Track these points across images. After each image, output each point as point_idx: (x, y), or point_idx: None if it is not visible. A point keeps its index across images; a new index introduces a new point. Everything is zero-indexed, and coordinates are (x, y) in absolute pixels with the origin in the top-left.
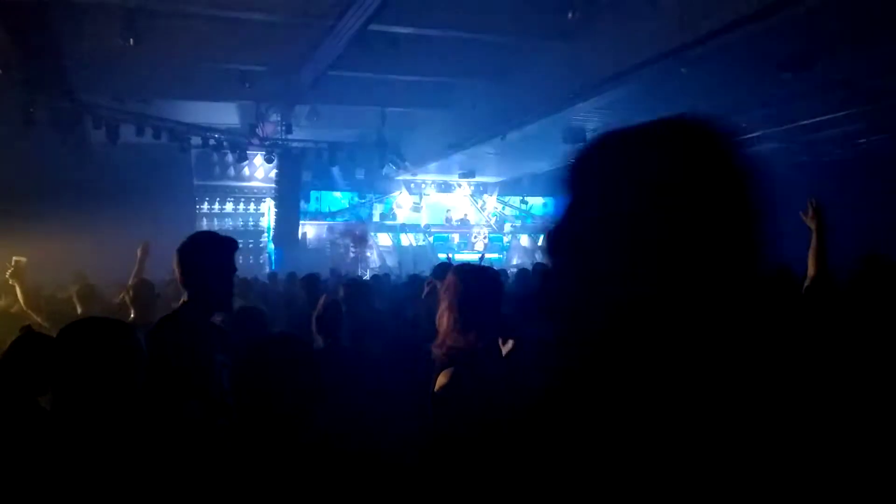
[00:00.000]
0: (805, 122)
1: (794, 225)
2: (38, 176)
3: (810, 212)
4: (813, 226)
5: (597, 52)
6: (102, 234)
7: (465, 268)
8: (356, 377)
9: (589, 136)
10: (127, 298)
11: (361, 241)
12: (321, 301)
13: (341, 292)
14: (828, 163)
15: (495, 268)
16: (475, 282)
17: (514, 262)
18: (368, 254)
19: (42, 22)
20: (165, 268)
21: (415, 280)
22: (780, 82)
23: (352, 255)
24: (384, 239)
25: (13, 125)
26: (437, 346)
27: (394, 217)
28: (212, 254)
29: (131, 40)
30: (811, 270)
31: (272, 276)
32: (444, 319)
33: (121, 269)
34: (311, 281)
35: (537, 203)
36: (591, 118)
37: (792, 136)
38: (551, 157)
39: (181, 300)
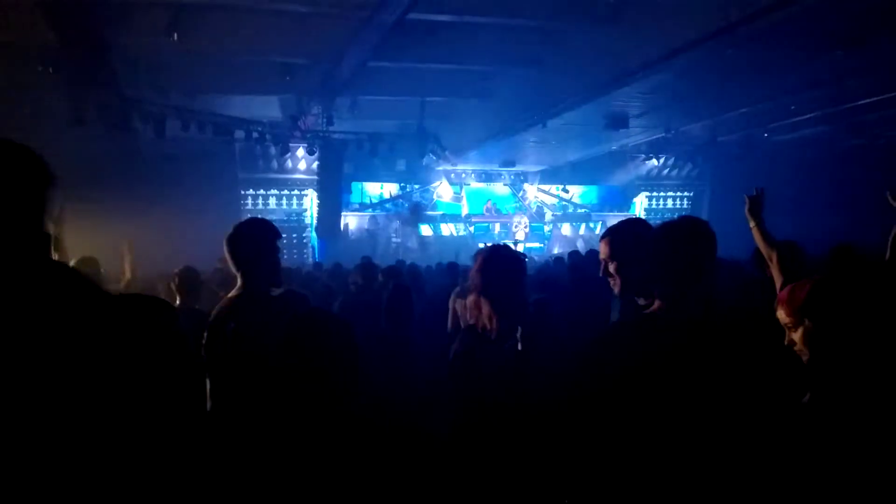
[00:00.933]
0: (856, 103)
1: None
2: (89, 171)
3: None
4: None
5: (639, 35)
6: (150, 226)
7: (489, 247)
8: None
9: (632, 121)
10: (173, 286)
11: (415, 214)
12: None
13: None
14: (882, 145)
15: (535, 257)
16: (497, 258)
17: (555, 251)
18: (409, 243)
19: (89, 21)
20: (211, 257)
21: (453, 268)
22: (831, 62)
23: (394, 243)
24: (424, 229)
25: (64, 122)
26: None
27: (434, 207)
28: (258, 237)
29: (175, 36)
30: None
31: (317, 265)
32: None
33: (168, 259)
34: (368, 266)
35: (578, 191)
36: (633, 103)
37: (842, 118)
38: (593, 144)
39: (238, 285)
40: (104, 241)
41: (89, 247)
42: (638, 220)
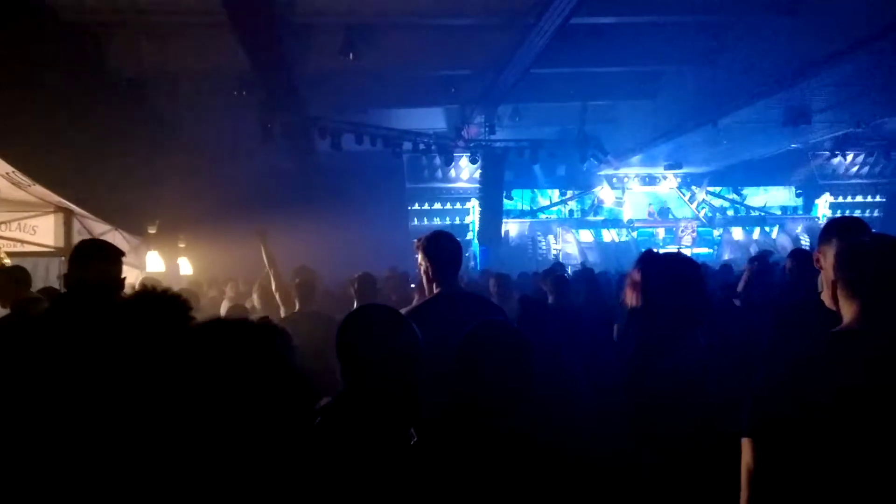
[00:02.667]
0: None
1: None
2: (274, 183)
3: None
4: None
5: (822, 25)
6: (326, 233)
7: (651, 254)
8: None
9: (814, 116)
10: (352, 290)
11: None
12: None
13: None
14: None
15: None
16: (659, 268)
17: (726, 256)
18: (569, 250)
19: (274, 46)
20: (384, 263)
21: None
22: None
23: (553, 253)
24: (585, 235)
25: (254, 139)
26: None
27: (596, 212)
28: (450, 246)
29: (351, 55)
30: None
31: (484, 272)
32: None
33: (344, 264)
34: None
35: (753, 193)
36: (816, 97)
37: None
38: (768, 143)
39: (434, 291)
40: (286, 249)
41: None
42: (857, 220)
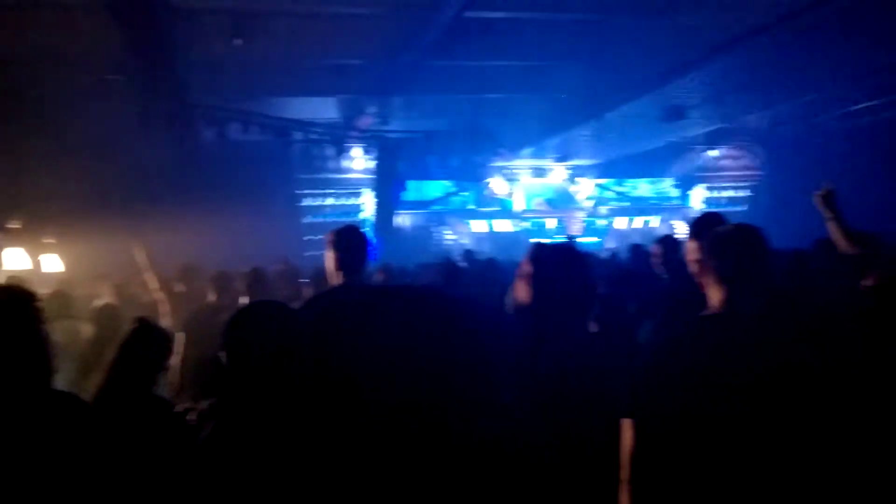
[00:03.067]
0: None
1: None
2: (154, 174)
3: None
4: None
5: (696, 25)
6: (212, 227)
7: (541, 245)
8: None
9: (689, 112)
10: (242, 286)
11: None
12: None
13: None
14: None
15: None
16: (548, 257)
17: (611, 245)
18: (463, 240)
19: (155, 29)
20: (276, 257)
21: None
22: None
23: (448, 241)
24: (478, 225)
25: (131, 127)
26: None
27: (488, 203)
28: (354, 238)
29: (238, 41)
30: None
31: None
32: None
33: (228, 257)
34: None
35: (635, 185)
36: (691, 94)
37: None
38: (650, 137)
39: (338, 282)
40: (169, 244)
41: (156, 249)
42: (717, 214)
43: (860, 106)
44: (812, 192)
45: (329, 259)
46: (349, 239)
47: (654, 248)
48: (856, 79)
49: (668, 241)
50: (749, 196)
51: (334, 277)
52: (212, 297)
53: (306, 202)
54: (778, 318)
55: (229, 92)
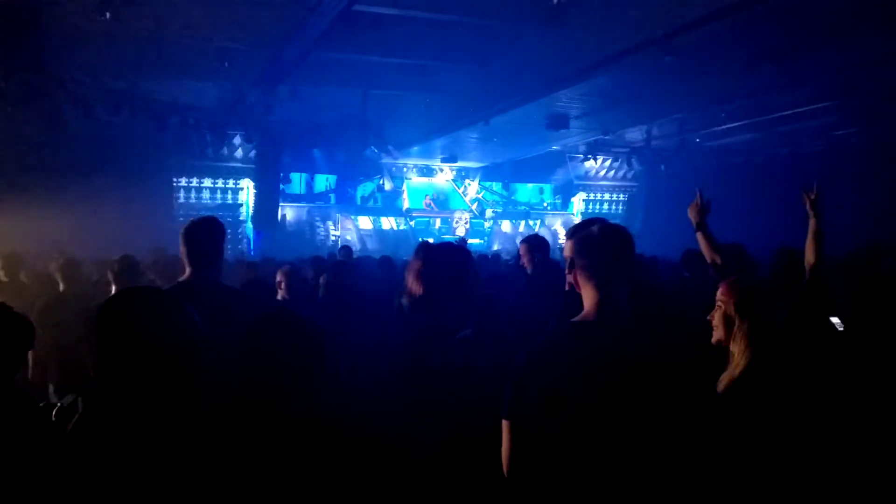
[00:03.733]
0: (784, 112)
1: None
2: (11, 155)
3: (808, 202)
4: (812, 214)
5: (581, 39)
6: (77, 211)
7: (432, 244)
8: None
9: (572, 122)
10: (111, 275)
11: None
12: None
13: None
14: (809, 154)
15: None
16: (439, 256)
17: (495, 247)
18: (348, 236)
19: None
20: (148, 244)
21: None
22: (762, 73)
23: (333, 237)
24: (364, 222)
25: None
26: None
27: (375, 201)
28: (202, 232)
29: (108, 15)
30: (811, 258)
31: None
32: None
33: (98, 245)
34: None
35: (519, 189)
36: (574, 104)
37: (771, 127)
38: (535, 144)
39: (186, 274)
40: (28, 227)
41: (11, 234)
42: (599, 219)
43: (731, 125)
44: (683, 203)
45: (181, 252)
46: (196, 232)
47: (521, 247)
48: (727, 100)
49: (532, 240)
50: (625, 204)
51: (186, 270)
52: (61, 286)
53: (181, 191)
54: (640, 323)
55: (99, 69)
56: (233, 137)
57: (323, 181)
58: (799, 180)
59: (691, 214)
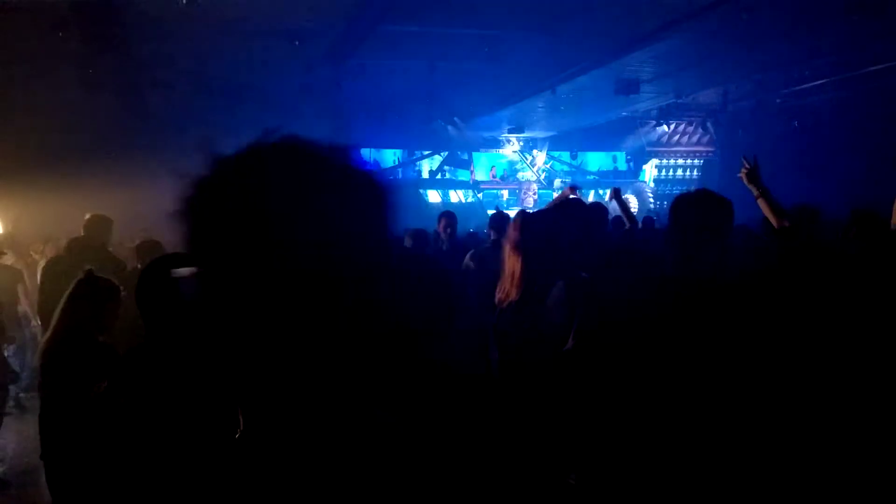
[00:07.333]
0: (869, 69)
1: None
2: (99, 136)
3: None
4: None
5: (645, 4)
6: (161, 191)
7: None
8: None
9: (642, 86)
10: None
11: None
12: None
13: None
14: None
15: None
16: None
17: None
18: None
19: None
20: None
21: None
22: (845, 27)
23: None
24: (433, 195)
25: (74, 85)
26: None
27: (442, 174)
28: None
29: (184, 1)
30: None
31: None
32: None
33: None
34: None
35: (590, 158)
36: (645, 68)
37: (856, 85)
38: (603, 111)
39: None
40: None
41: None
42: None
43: (812, 84)
44: (764, 171)
45: None
46: None
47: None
48: (808, 57)
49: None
50: (700, 171)
51: None
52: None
53: None
54: (719, 285)
55: (177, 53)
56: (303, 116)
57: (391, 155)
58: (886, 139)
59: (748, 182)
